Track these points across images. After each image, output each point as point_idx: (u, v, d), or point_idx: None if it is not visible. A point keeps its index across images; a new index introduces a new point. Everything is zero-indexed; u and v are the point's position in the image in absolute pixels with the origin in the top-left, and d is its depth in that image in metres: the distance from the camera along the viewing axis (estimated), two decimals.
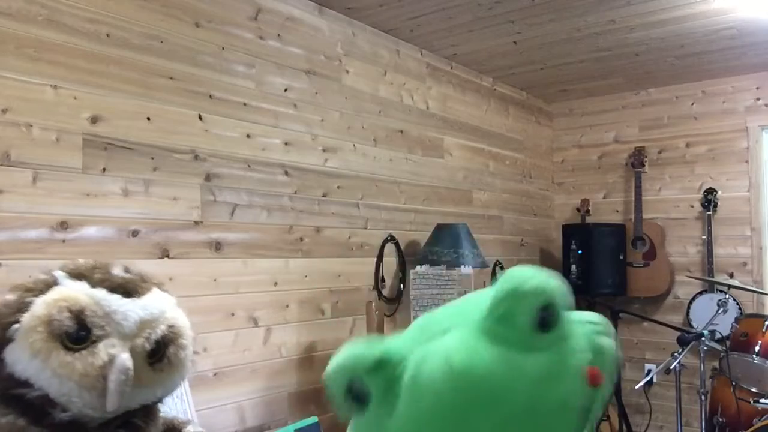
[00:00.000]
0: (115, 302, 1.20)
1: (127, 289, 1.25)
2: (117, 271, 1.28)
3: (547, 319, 0.82)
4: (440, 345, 0.85)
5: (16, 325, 1.14)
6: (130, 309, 1.21)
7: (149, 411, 1.30)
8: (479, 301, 0.89)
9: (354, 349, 0.87)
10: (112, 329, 1.18)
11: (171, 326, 1.27)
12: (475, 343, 0.83)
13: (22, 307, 1.17)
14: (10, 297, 1.20)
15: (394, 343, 0.89)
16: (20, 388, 1.14)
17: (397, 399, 0.84)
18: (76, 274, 1.23)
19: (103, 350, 1.15)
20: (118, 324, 1.19)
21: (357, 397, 0.88)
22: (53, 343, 1.13)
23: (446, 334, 0.87)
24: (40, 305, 1.16)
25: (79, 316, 1.15)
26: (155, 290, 1.31)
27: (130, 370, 1.15)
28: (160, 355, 1.24)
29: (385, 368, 0.86)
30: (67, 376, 1.12)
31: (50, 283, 1.21)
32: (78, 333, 1.15)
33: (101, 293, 1.20)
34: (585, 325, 0.89)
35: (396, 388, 0.85)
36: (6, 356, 1.15)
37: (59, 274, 1.23)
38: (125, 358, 1.15)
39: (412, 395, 0.84)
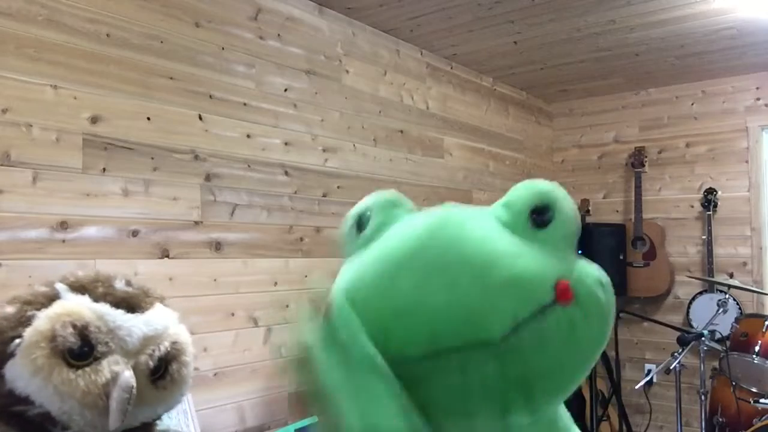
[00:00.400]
0: (119, 318, 1.18)
1: (131, 303, 1.22)
2: (119, 284, 1.25)
3: (542, 213, 0.86)
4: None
5: (18, 341, 1.11)
6: (134, 325, 1.19)
7: (148, 428, 1.28)
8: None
9: (383, 193, 0.99)
10: (116, 346, 1.16)
11: (174, 342, 1.25)
12: (475, 212, 0.91)
13: (24, 321, 1.13)
14: (9, 309, 1.16)
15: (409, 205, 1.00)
16: (20, 405, 1.11)
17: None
18: (78, 287, 1.20)
19: (106, 368, 1.13)
20: (121, 340, 1.16)
21: (359, 226, 0.97)
22: (56, 359, 1.10)
23: None
24: (42, 320, 1.13)
25: (82, 332, 1.12)
26: (158, 305, 1.29)
27: (133, 388, 1.13)
28: (162, 372, 1.22)
29: (392, 208, 0.96)
30: (69, 393, 1.10)
31: (51, 296, 1.18)
32: (81, 349, 1.12)
33: (105, 308, 1.17)
34: (587, 269, 0.89)
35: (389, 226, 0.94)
36: (6, 372, 1.11)
37: (60, 287, 1.20)
38: (128, 376, 1.13)
39: (394, 229, 0.92)
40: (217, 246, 2.57)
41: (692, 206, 4.40)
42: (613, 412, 4.33)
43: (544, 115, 4.95)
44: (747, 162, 4.22)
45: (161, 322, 1.25)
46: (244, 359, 2.64)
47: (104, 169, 2.21)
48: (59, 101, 2.11)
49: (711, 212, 4.20)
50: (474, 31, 3.43)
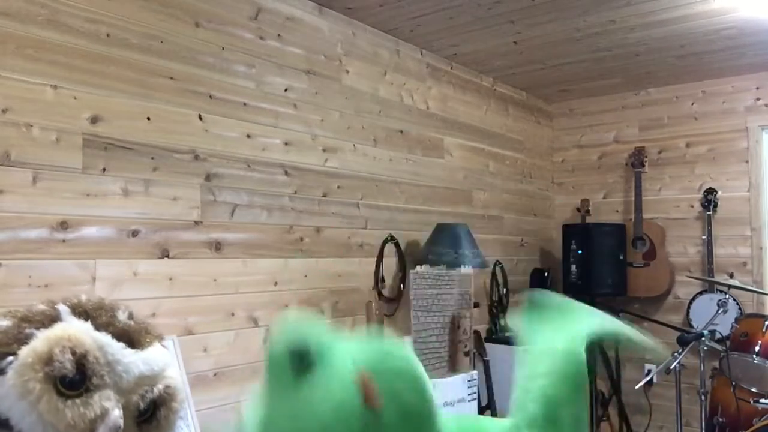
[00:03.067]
0: (119, 352, 1.11)
1: (132, 338, 1.16)
2: (122, 316, 1.20)
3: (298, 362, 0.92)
4: None
5: (11, 358, 1.04)
6: (132, 362, 1.12)
7: None
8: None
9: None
10: (111, 380, 1.09)
11: (167, 386, 1.19)
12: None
13: (21, 338, 1.07)
14: (5, 323, 1.09)
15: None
16: None
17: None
18: (81, 312, 1.14)
19: (97, 402, 1.06)
20: (117, 376, 1.10)
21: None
22: (47, 385, 1.03)
23: None
24: (41, 341, 1.05)
25: (80, 360, 1.06)
26: (156, 344, 1.22)
27: (120, 429, 1.06)
28: (149, 415, 1.15)
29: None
30: (54, 424, 1.03)
31: (52, 317, 1.11)
32: (74, 378, 1.05)
33: (106, 339, 1.11)
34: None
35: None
36: None
37: (62, 309, 1.13)
38: (117, 416, 1.06)
39: None
40: (217, 246, 2.57)
41: (692, 206, 4.40)
42: (613, 412, 4.33)
43: (544, 115, 4.95)
44: (747, 162, 4.22)
45: (159, 363, 1.18)
46: (244, 359, 2.64)
47: (104, 169, 2.21)
48: (59, 101, 2.11)
49: (711, 212, 4.20)
50: (474, 31, 3.43)
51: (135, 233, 2.29)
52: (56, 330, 1.08)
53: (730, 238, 4.24)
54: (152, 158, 2.36)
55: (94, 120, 2.19)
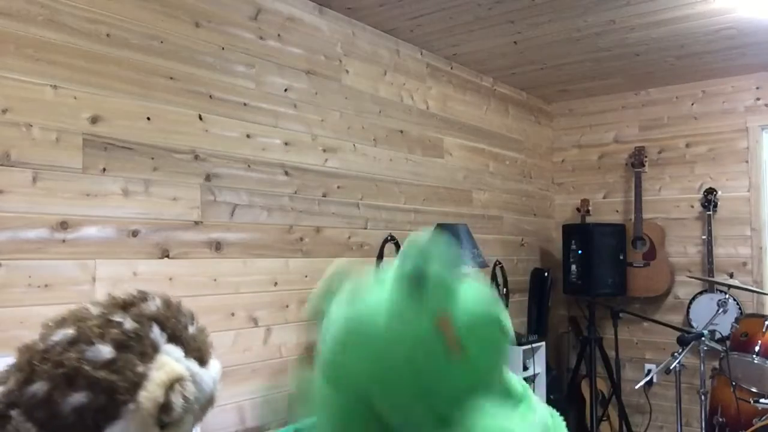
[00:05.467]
0: (205, 379, 1.13)
1: (203, 357, 1.15)
2: (192, 328, 1.18)
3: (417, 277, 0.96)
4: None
5: (132, 406, 1.01)
6: (206, 382, 1.14)
7: None
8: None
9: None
10: (197, 406, 1.12)
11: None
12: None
13: (136, 381, 1.04)
14: (107, 350, 1.03)
15: None
16: None
17: None
18: (172, 336, 1.11)
19: (184, 429, 1.10)
20: (198, 401, 1.12)
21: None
22: (156, 428, 1.04)
23: None
24: (157, 386, 1.04)
25: (187, 400, 1.07)
26: (213, 355, 1.24)
27: None
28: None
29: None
30: None
31: (153, 345, 1.08)
32: None
33: (196, 368, 1.11)
34: (471, 291, 0.97)
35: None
36: None
37: (157, 335, 1.09)
38: None
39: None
40: (217, 246, 2.57)
41: (692, 206, 4.40)
42: (613, 412, 4.33)
43: (544, 115, 4.95)
44: (747, 162, 4.22)
45: (217, 377, 1.19)
46: (244, 359, 2.64)
47: (104, 169, 2.22)
48: (59, 101, 2.11)
49: (711, 212, 4.20)
50: (474, 31, 3.43)
51: (135, 233, 2.30)
52: (167, 371, 1.06)
53: (730, 238, 4.24)
54: (152, 158, 2.36)
55: (94, 120, 2.19)
